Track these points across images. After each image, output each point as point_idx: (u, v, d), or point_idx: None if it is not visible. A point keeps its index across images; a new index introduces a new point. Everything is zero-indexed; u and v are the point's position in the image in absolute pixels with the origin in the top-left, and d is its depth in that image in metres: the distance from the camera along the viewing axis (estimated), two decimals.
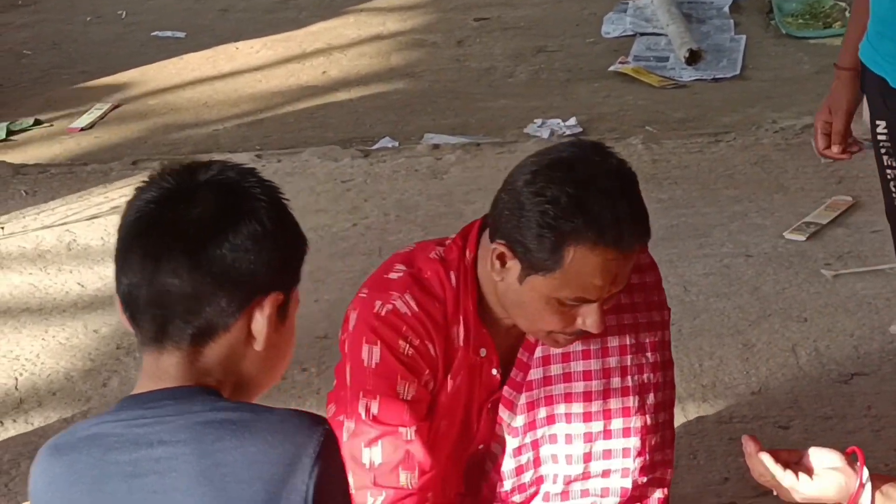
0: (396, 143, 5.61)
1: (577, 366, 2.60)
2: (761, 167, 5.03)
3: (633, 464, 2.64)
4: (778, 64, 6.46)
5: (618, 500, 2.67)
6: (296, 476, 1.75)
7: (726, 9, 7.12)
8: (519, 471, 2.66)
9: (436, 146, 5.42)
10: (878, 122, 3.17)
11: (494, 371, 2.61)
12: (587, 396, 2.60)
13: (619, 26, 6.95)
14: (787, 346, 3.85)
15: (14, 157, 5.63)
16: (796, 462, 2.22)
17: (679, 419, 2.91)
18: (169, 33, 7.26)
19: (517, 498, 2.68)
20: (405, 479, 2.50)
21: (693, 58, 6.41)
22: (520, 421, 2.63)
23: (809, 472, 2.20)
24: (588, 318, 2.45)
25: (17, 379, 3.89)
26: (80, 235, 4.68)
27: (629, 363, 2.61)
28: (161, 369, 1.82)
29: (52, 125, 6.09)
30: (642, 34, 6.83)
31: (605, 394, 2.60)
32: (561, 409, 2.60)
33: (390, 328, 2.50)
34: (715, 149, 5.21)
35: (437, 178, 5.09)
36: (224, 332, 1.81)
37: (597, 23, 7.06)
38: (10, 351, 4.03)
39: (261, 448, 1.75)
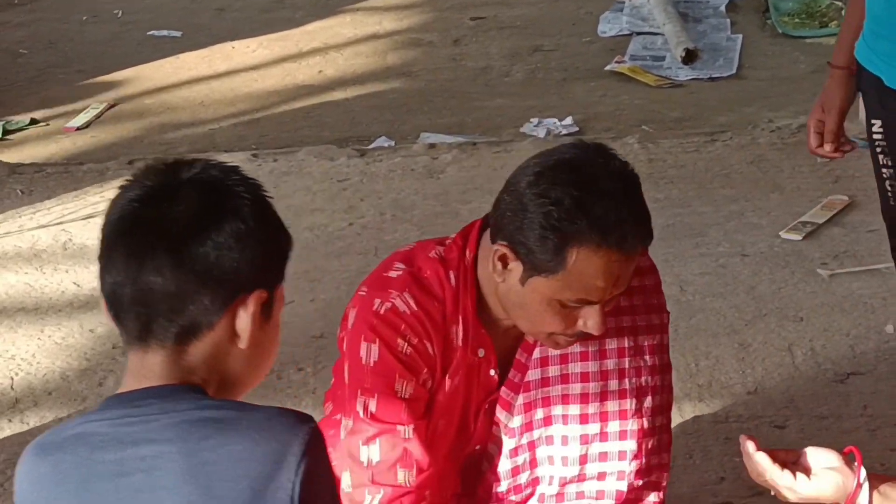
0: (393, 143, 5.61)
1: (575, 367, 2.60)
2: (757, 166, 5.03)
3: (628, 467, 2.64)
4: (774, 63, 6.47)
5: (613, 502, 2.67)
6: (282, 474, 1.75)
7: (723, 8, 7.13)
8: (515, 472, 2.66)
9: (432, 145, 5.42)
10: (873, 122, 3.17)
11: (492, 372, 2.61)
12: (584, 398, 2.60)
13: (616, 25, 6.95)
14: (783, 345, 3.85)
15: (10, 156, 5.62)
16: (794, 462, 2.22)
17: (675, 419, 2.91)
18: (165, 32, 7.26)
19: (513, 499, 2.68)
20: (403, 477, 2.50)
21: (689, 57, 6.41)
22: (517, 422, 2.63)
23: (807, 471, 2.20)
24: (589, 320, 2.45)
25: (13, 378, 3.88)
26: (76, 235, 4.68)
27: (627, 366, 2.61)
28: (146, 368, 1.82)
29: (48, 124, 6.09)
30: (639, 33, 6.83)
31: (603, 396, 2.60)
32: (558, 410, 2.60)
33: (389, 326, 2.50)
34: (711, 148, 5.21)
35: (434, 177, 5.09)
36: (208, 331, 1.81)
37: (593, 22, 7.06)
38: (6, 350, 4.03)
39: (246, 446, 1.75)
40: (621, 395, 2.60)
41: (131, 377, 1.83)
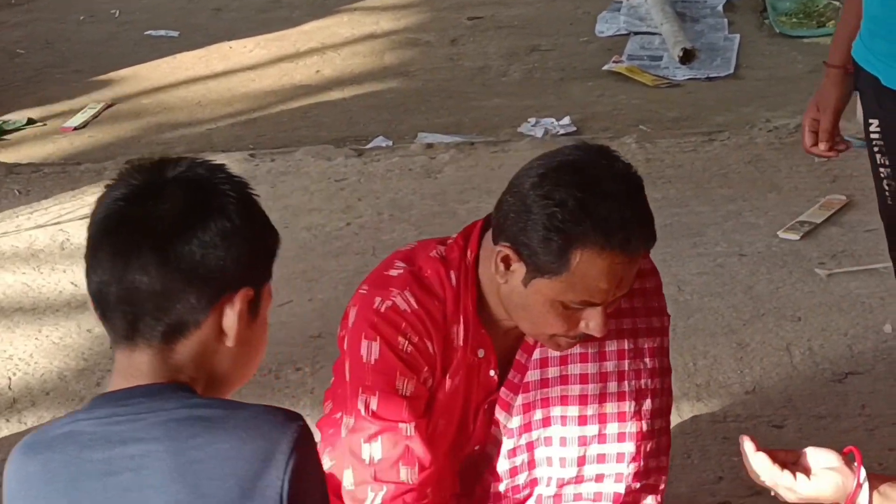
0: (390, 143, 5.61)
1: (574, 369, 2.60)
2: (755, 166, 5.03)
3: (626, 469, 2.64)
4: (772, 63, 6.47)
5: None
6: (270, 472, 1.75)
7: (720, 8, 7.13)
8: (513, 472, 2.66)
9: (429, 145, 5.42)
10: (871, 121, 3.17)
11: (492, 372, 2.61)
12: (583, 400, 2.60)
13: (613, 25, 6.95)
14: (781, 345, 3.85)
15: (7, 156, 5.62)
16: (794, 462, 2.22)
17: (673, 418, 2.91)
18: (162, 32, 7.26)
19: (511, 499, 2.68)
20: (405, 474, 2.50)
21: (687, 57, 6.41)
22: (515, 422, 2.63)
23: (807, 472, 2.20)
24: (591, 322, 2.46)
25: (10, 378, 3.88)
26: (74, 235, 4.68)
27: (626, 368, 2.61)
28: (133, 367, 1.82)
29: (45, 124, 6.08)
30: (636, 33, 6.83)
31: (602, 398, 2.60)
32: (557, 411, 2.60)
33: (389, 325, 2.50)
34: (709, 148, 5.21)
35: (431, 177, 5.09)
36: (195, 329, 1.81)
37: (590, 22, 7.06)
38: (4, 350, 4.02)
39: (234, 444, 1.75)
40: (620, 397, 2.60)
41: (119, 376, 1.83)
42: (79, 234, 4.68)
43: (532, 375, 2.60)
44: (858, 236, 4.43)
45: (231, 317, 1.83)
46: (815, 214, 4.59)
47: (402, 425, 2.49)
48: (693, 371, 3.73)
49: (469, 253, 2.55)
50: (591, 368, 2.60)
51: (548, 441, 2.63)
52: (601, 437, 2.62)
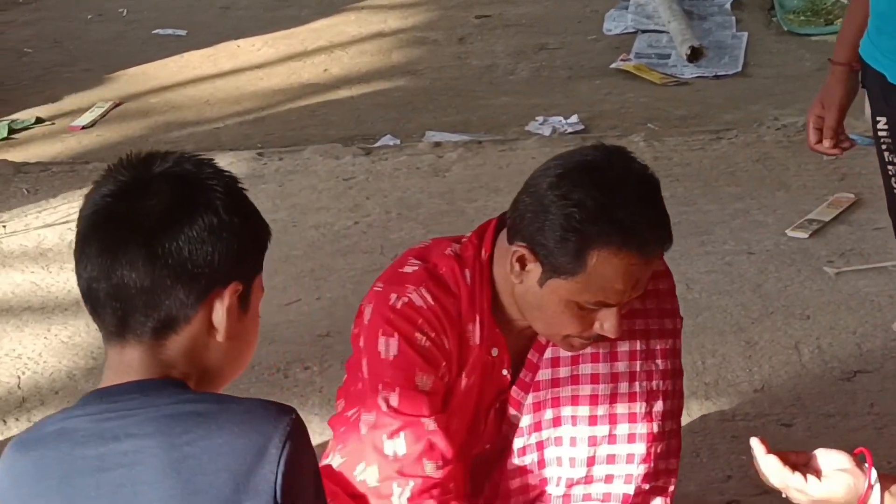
0: (398, 141, 5.61)
1: (586, 369, 2.60)
2: (763, 164, 5.03)
3: (636, 470, 2.64)
4: (780, 61, 6.46)
5: None
6: (263, 466, 1.75)
7: (728, 6, 7.12)
8: (523, 471, 2.66)
9: (437, 144, 5.42)
10: (878, 119, 3.17)
11: (505, 371, 2.61)
12: (594, 400, 2.60)
13: (621, 23, 6.95)
14: (789, 343, 3.85)
15: (15, 155, 5.62)
16: (804, 464, 2.21)
17: (682, 417, 2.91)
18: (170, 31, 7.26)
19: (520, 498, 2.68)
20: (430, 468, 2.49)
21: (695, 55, 6.40)
22: (526, 421, 2.63)
23: (817, 473, 2.19)
24: (606, 322, 2.46)
25: (19, 377, 3.89)
26: None
27: (638, 369, 2.60)
28: (125, 363, 1.82)
29: (53, 123, 6.09)
30: (644, 31, 6.83)
31: (612, 398, 2.60)
32: (567, 411, 2.60)
33: (406, 321, 2.50)
34: (717, 146, 5.21)
35: (439, 175, 5.09)
36: (185, 324, 1.81)
37: (598, 20, 7.06)
38: (13, 349, 4.03)
39: (226, 439, 1.75)
40: (631, 398, 2.60)
41: (111, 372, 1.84)
42: None
43: (543, 375, 2.61)
44: (867, 234, 4.42)
45: (220, 311, 1.83)
46: (823, 213, 4.58)
47: (424, 420, 2.49)
48: (702, 370, 3.72)
49: (483, 252, 2.55)
50: (602, 368, 2.60)
51: (558, 441, 2.63)
52: (611, 438, 2.62)
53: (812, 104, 3.29)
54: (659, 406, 2.63)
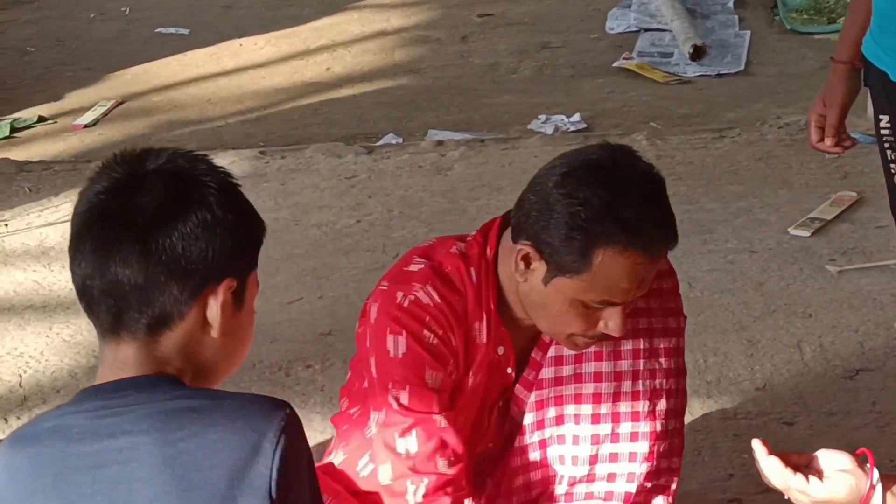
0: (400, 140, 5.61)
1: (589, 367, 2.60)
2: (766, 163, 5.03)
3: (639, 468, 2.64)
4: (782, 59, 6.46)
5: None
6: (258, 462, 1.75)
7: (730, 4, 7.12)
8: (525, 469, 2.66)
9: (440, 142, 5.42)
10: (881, 117, 3.17)
11: (509, 369, 2.61)
12: (597, 398, 2.60)
13: (623, 22, 6.94)
14: (791, 342, 3.84)
15: (18, 154, 5.63)
16: (806, 465, 2.21)
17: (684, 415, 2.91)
18: (172, 30, 7.26)
19: (522, 496, 2.68)
20: (443, 465, 2.49)
21: (697, 53, 6.40)
22: (528, 419, 2.63)
23: (819, 474, 2.19)
24: (611, 322, 2.46)
25: (21, 376, 3.89)
26: None
27: (641, 368, 2.61)
28: (119, 360, 1.82)
29: (55, 122, 6.09)
30: (646, 30, 6.83)
31: (616, 397, 2.60)
32: (570, 409, 2.60)
33: (414, 318, 2.50)
34: (719, 144, 5.21)
35: (441, 174, 5.09)
36: (179, 321, 1.82)
37: (601, 18, 7.05)
38: (15, 348, 4.03)
39: (221, 435, 1.75)
40: (634, 396, 2.60)
41: (106, 369, 1.84)
42: None
43: (546, 373, 2.61)
44: (869, 233, 4.42)
45: (215, 308, 1.83)
46: (825, 211, 4.58)
47: (435, 417, 2.49)
48: (703, 368, 3.72)
49: (488, 250, 2.56)
50: (605, 367, 2.60)
51: (560, 439, 2.63)
52: (614, 437, 2.62)
53: (814, 102, 3.28)
54: (662, 405, 2.63)
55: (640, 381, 2.61)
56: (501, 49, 6.78)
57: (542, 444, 2.64)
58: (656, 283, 2.57)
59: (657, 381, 2.62)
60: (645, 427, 2.63)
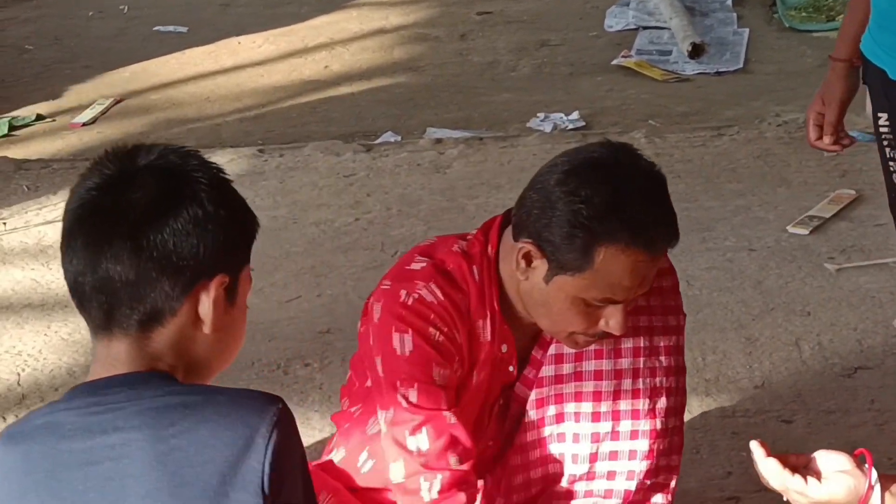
0: (399, 138, 5.61)
1: (589, 365, 2.60)
2: (764, 161, 5.03)
3: (638, 466, 2.64)
4: (781, 57, 6.46)
5: (620, 502, 2.67)
6: (250, 457, 1.75)
7: (729, 2, 7.11)
8: (525, 468, 2.66)
9: (438, 140, 5.41)
10: (879, 115, 3.17)
11: (511, 367, 2.61)
12: (597, 396, 2.60)
13: (622, 20, 6.94)
14: (790, 340, 3.84)
15: (16, 152, 5.62)
16: (804, 466, 2.21)
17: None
18: (171, 28, 7.26)
19: (522, 495, 2.68)
20: (455, 462, 2.49)
21: (696, 51, 6.40)
22: (528, 417, 2.63)
23: (818, 475, 2.19)
24: (612, 320, 2.46)
25: (19, 374, 3.88)
26: None
27: (642, 366, 2.61)
28: (112, 356, 1.82)
29: (54, 120, 6.09)
30: (645, 28, 6.82)
31: (616, 395, 2.60)
32: (570, 407, 2.61)
33: (418, 316, 2.50)
34: (718, 142, 5.20)
35: (440, 172, 5.09)
36: (171, 317, 1.81)
37: (599, 16, 7.05)
38: (13, 346, 4.03)
39: (213, 430, 1.75)
40: (634, 394, 2.61)
41: (98, 365, 1.84)
42: None
43: (546, 371, 2.61)
44: (868, 231, 4.42)
45: (206, 304, 1.83)
46: (824, 209, 4.58)
47: (445, 413, 2.49)
48: (702, 366, 3.72)
49: (490, 248, 2.56)
50: (605, 365, 2.60)
51: (560, 437, 2.63)
52: (614, 434, 2.62)
53: (812, 100, 3.28)
54: (662, 403, 2.63)
55: (641, 379, 2.61)
56: (500, 47, 6.78)
57: (542, 442, 2.64)
58: (656, 281, 2.57)
59: (657, 379, 2.62)
60: (645, 425, 2.63)
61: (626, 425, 2.62)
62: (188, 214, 1.80)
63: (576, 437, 2.63)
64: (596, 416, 2.61)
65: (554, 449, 2.64)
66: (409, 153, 5.25)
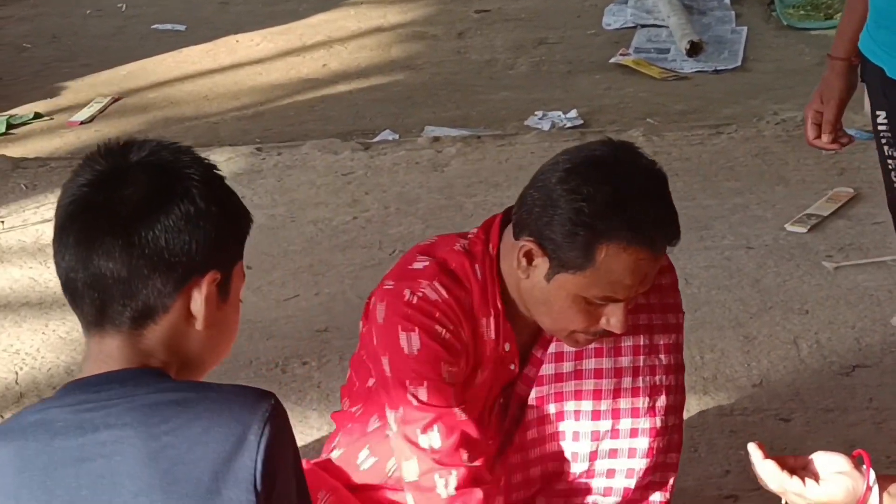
0: (397, 136, 5.61)
1: (589, 363, 2.60)
2: (762, 159, 5.02)
3: (638, 464, 2.64)
4: (779, 55, 6.46)
5: (619, 500, 2.67)
6: (243, 454, 1.74)
7: (727, 0, 7.11)
8: (524, 466, 2.66)
9: (436, 139, 5.41)
10: (878, 113, 3.17)
11: (512, 366, 2.61)
12: (597, 395, 2.60)
13: (620, 18, 6.94)
14: (788, 338, 3.84)
15: (14, 150, 5.62)
16: (802, 468, 2.20)
17: None
18: (169, 26, 7.25)
19: (522, 492, 2.68)
20: (468, 458, 2.49)
21: (694, 49, 6.40)
22: (528, 416, 2.63)
23: (816, 477, 2.19)
24: (612, 318, 2.46)
25: (17, 373, 3.88)
26: None
27: (642, 364, 2.61)
28: (104, 353, 1.82)
29: (52, 119, 6.09)
30: (643, 26, 6.82)
31: (616, 393, 2.60)
32: (570, 406, 2.61)
33: (424, 314, 2.50)
34: (716, 141, 5.20)
35: (438, 170, 5.09)
36: (163, 314, 1.81)
37: (598, 14, 7.05)
38: (11, 345, 4.02)
39: (205, 427, 1.75)
40: (634, 392, 2.61)
41: (91, 362, 1.83)
42: None
43: (546, 370, 2.61)
44: (866, 229, 4.42)
45: (199, 300, 1.82)
46: (822, 207, 4.58)
47: (455, 410, 2.49)
48: (700, 364, 3.72)
49: (491, 247, 2.56)
50: (606, 363, 2.60)
51: (560, 436, 2.63)
52: (614, 433, 2.62)
53: (811, 99, 3.28)
54: (662, 401, 2.63)
55: (640, 378, 2.61)
56: (498, 45, 6.77)
57: (542, 440, 2.64)
58: (656, 279, 2.58)
59: (657, 378, 2.62)
60: (645, 423, 2.63)
61: (625, 423, 2.62)
62: (180, 211, 1.79)
63: (575, 436, 2.63)
64: (596, 415, 2.62)
65: (553, 447, 2.64)
66: (407, 151, 5.25)
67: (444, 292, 2.51)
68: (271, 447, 1.75)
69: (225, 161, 5.06)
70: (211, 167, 1.87)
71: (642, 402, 2.62)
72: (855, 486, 2.16)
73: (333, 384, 3.65)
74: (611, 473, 2.66)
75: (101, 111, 6.12)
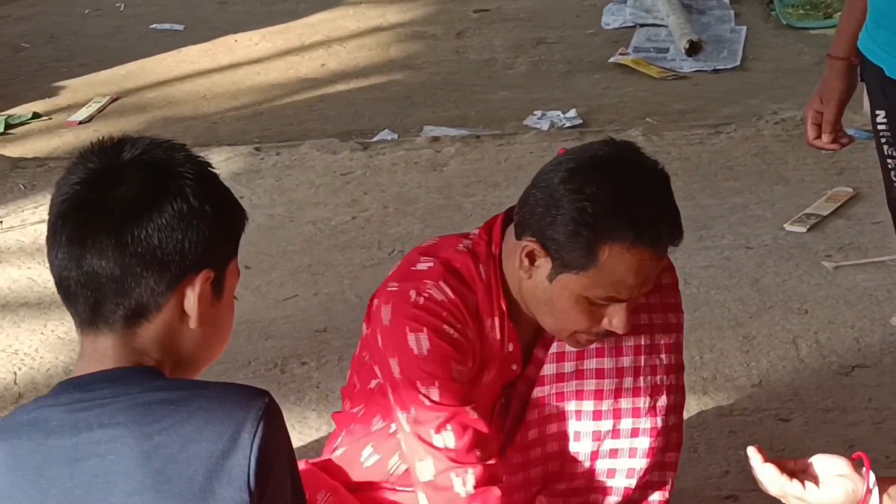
0: (396, 136, 5.60)
1: (591, 363, 2.60)
2: (762, 158, 5.02)
3: (638, 464, 2.64)
4: (778, 55, 6.45)
5: (619, 499, 2.67)
6: (236, 453, 1.74)
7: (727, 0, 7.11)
8: (526, 466, 2.66)
9: (435, 138, 5.41)
10: (877, 112, 3.17)
11: (514, 366, 2.61)
12: (598, 395, 2.60)
13: (619, 17, 6.94)
14: (787, 338, 3.84)
15: (12, 150, 5.62)
16: (802, 471, 2.20)
17: None
18: (167, 26, 7.25)
19: (523, 492, 2.68)
20: (482, 456, 2.49)
21: (693, 49, 6.39)
22: (529, 416, 2.63)
23: (816, 480, 2.18)
24: (615, 318, 2.46)
25: (15, 373, 3.88)
26: None
27: (643, 364, 2.61)
28: (98, 351, 1.82)
29: (50, 118, 6.08)
30: (642, 25, 6.82)
31: (617, 393, 2.60)
32: (571, 405, 2.61)
33: (431, 314, 2.50)
34: (715, 140, 5.20)
35: (437, 170, 5.08)
36: (157, 312, 1.81)
37: (597, 14, 7.04)
38: (9, 345, 4.02)
39: (198, 426, 1.74)
40: (636, 392, 2.61)
41: (84, 361, 1.83)
42: None
43: (548, 369, 2.61)
44: (865, 229, 4.42)
45: (192, 299, 1.82)
46: (821, 207, 4.57)
47: (467, 409, 2.49)
48: (699, 364, 3.72)
49: (494, 247, 2.55)
50: (607, 363, 2.60)
51: (562, 435, 2.63)
52: (615, 433, 2.62)
53: (811, 99, 3.28)
54: (663, 400, 2.63)
55: (642, 378, 2.61)
56: (497, 45, 6.77)
57: (543, 440, 2.64)
58: (657, 279, 2.57)
59: (658, 378, 2.62)
60: (646, 423, 2.63)
61: (626, 423, 2.62)
62: (173, 209, 1.79)
63: (577, 436, 2.63)
64: (597, 415, 2.62)
65: (554, 447, 2.64)
66: (406, 151, 5.25)
67: (450, 292, 2.51)
68: (265, 445, 1.74)
69: (224, 161, 5.06)
70: (204, 165, 1.86)
71: (643, 402, 2.62)
72: (855, 489, 2.15)
73: (332, 384, 3.65)
74: (611, 473, 2.66)
75: (99, 111, 6.12)
